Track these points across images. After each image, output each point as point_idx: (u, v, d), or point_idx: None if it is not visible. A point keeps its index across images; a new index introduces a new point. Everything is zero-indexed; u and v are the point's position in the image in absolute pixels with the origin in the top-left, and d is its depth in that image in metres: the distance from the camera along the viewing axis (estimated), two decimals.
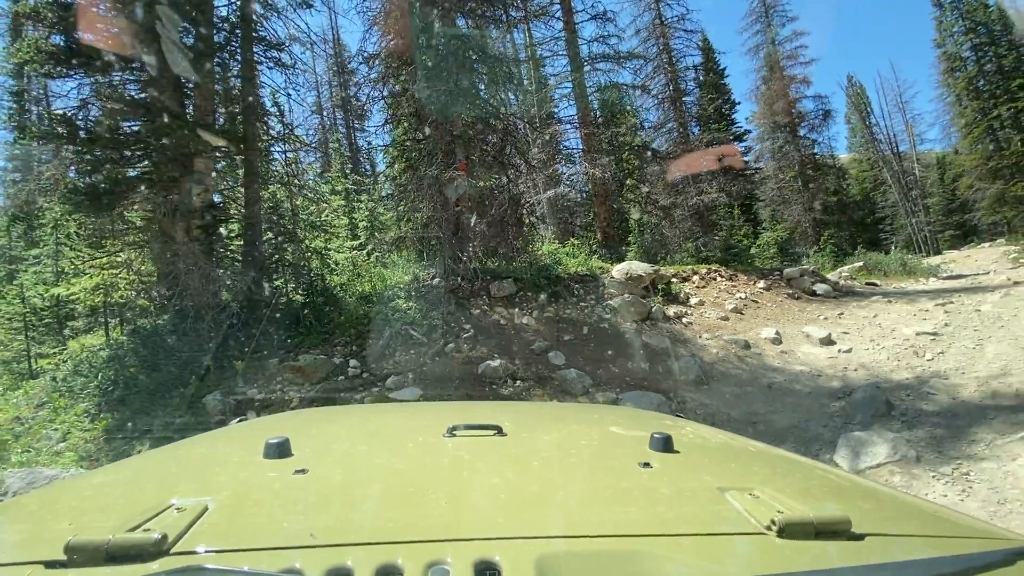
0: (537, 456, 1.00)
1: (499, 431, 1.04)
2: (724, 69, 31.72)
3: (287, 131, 8.86)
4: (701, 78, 28.80)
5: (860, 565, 0.62)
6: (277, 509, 0.74)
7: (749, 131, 30.16)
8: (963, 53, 31.45)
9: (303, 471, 0.84)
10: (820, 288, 9.71)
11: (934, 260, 22.42)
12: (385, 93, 8.28)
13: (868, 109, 44.75)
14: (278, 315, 6.56)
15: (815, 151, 27.23)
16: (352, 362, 5.60)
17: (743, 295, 8.75)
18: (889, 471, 3.81)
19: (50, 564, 0.58)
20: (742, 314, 8.06)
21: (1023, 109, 28.05)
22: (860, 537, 0.66)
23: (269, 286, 7.49)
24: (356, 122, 32.52)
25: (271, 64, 7.55)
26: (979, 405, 4.53)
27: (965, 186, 33.09)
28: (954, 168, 37.19)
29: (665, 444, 0.97)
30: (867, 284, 11.68)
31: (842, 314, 8.27)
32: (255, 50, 7.56)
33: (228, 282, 6.77)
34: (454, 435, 1.03)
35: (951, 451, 3.89)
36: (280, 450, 0.91)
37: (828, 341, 6.90)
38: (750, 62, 31.73)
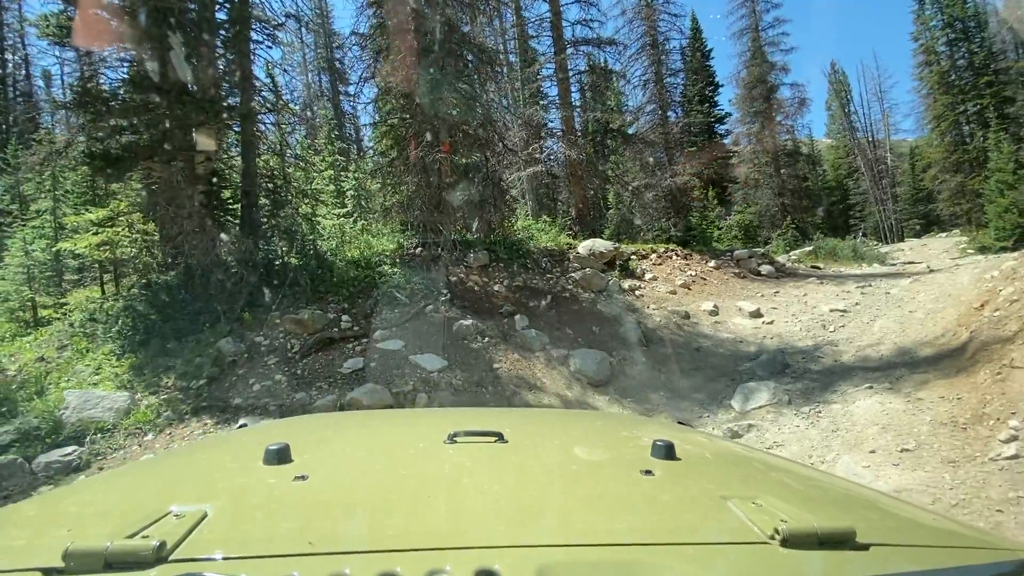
0: (538, 463, 1.00)
1: (500, 438, 1.04)
2: (710, 51, 32.17)
3: (281, 104, 9.44)
4: (688, 58, 29.31)
5: None
6: (276, 516, 0.75)
7: (730, 114, 30.90)
8: (938, 48, 32.37)
9: (303, 478, 0.84)
10: (765, 269, 10.84)
11: (887, 248, 23.96)
12: (374, 73, 8.88)
13: (848, 97, 45.79)
14: (277, 275, 7.37)
15: (790, 137, 28.22)
16: (344, 317, 6.49)
17: (694, 273, 9.81)
18: (766, 410, 4.93)
19: (48, 571, 0.59)
20: (689, 289, 9.14)
21: (987, 106, 29.31)
22: (865, 547, 0.66)
23: (266, 249, 8.26)
24: (341, 85, 32.35)
25: (269, 43, 8.09)
26: (851, 366, 5.68)
27: (929, 177, 34.67)
28: (923, 159, 38.61)
29: (667, 452, 0.97)
30: (811, 267, 12.88)
31: (777, 292, 9.41)
32: (253, 27, 8.07)
33: (231, 244, 7.51)
34: (455, 442, 1.03)
35: (815, 398, 5.01)
36: (280, 456, 0.92)
37: (757, 314, 8.02)
38: (733, 46, 32.33)
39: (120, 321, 6.47)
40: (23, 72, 24.24)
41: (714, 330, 7.58)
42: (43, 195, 11.67)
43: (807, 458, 3.96)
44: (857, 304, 8.07)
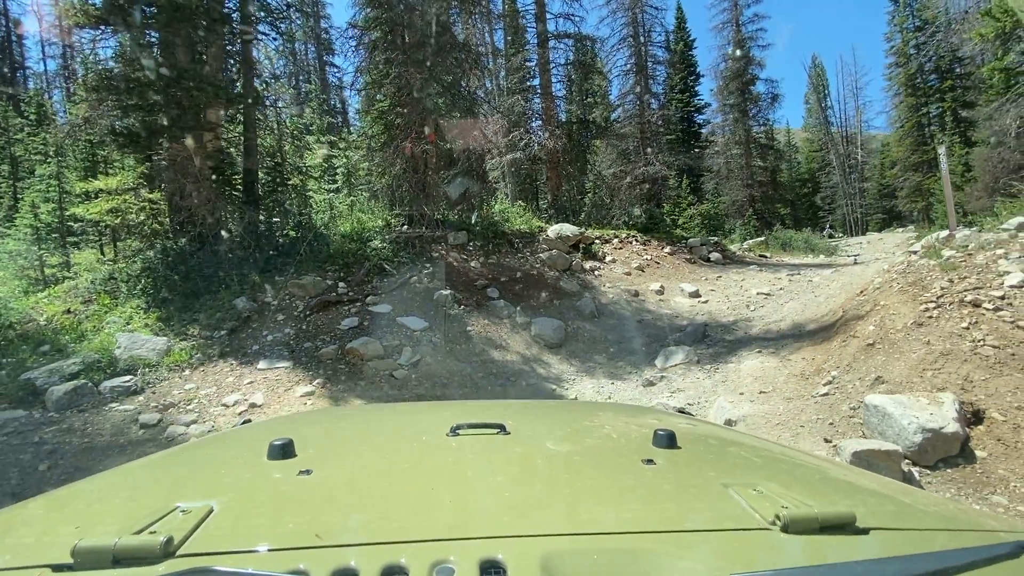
0: (541, 454, 1.02)
1: (502, 430, 1.06)
2: (694, 40, 33.06)
3: (280, 87, 10.25)
4: (672, 48, 30.14)
5: (865, 559, 0.63)
6: (282, 510, 0.76)
7: (709, 104, 32.02)
8: (909, 50, 33.79)
9: (307, 472, 0.86)
10: (714, 256, 12.19)
11: (846, 240, 25.74)
12: (367, 66, 9.74)
13: (826, 91, 47.36)
14: (279, 245, 8.37)
15: (764, 130, 29.54)
16: (341, 284, 7.57)
17: (649, 257, 11.09)
18: (680, 367, 6.25)
19: (57, 567, 0.60)
20: (643, 271, 10.42)
21: (948, 109, 30.98)
22: (865, 531, 0.67)
23: (267, 220, 9.22)
24: (328, 55, 32.38)
25: (275, 35, 8.87)
26: (755, 337, 7.03)
27: (892, 175, 36.67)
28: (889, 156, 40.48)
29: (668, 440, 0.99)
30: (759, 256, 14.31)
31: (719, 277, 10.76)
32: (259, 15, 8.85)
33: (237, 216, 8.45)
34: (457, 434, 1.05)
35: (719, 360, 6.35)
36: (284, 451, 0.94)
37: (696, 295, 9.35)
38: (714, 39, 33.32)
39: (143, 280, 7.43)
40: (3, 25, 23.87)
41: (657, 306, 8.89)
42: (45, 160, 12.26)
43: (697, 398, 5.29)
44: (782, 289, 9.46)
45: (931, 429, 3.32)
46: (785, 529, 0.66)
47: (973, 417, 3.66)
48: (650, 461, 0.91)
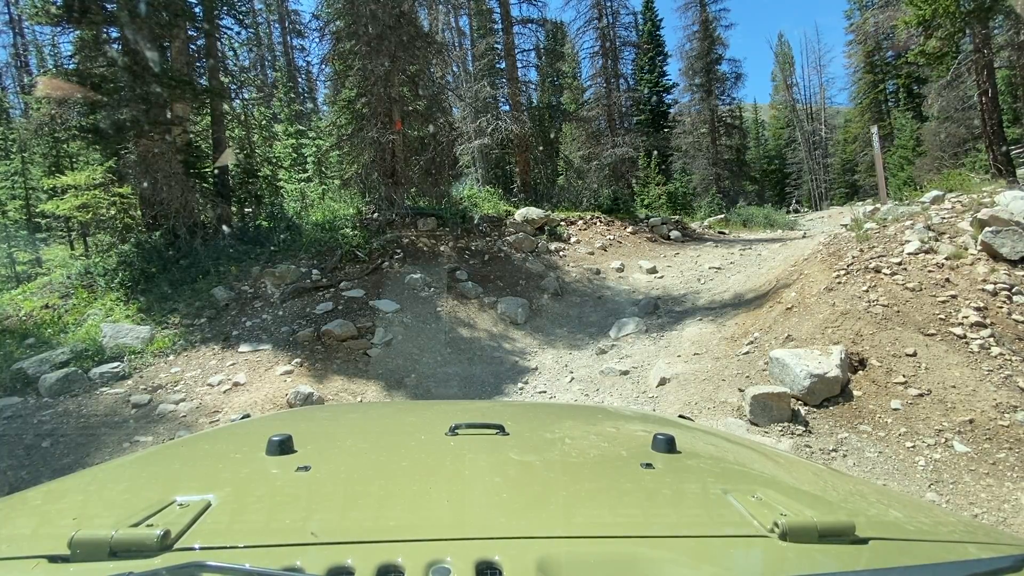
0: (539, 456, 1.02)
1: (501, 430, 1.06)
2: (661, 20, 33.40)
3: (246, 79, 10.37)
4: (640, 28, 30.46)
5: (863, 570, 0.63)
6: (279, 506, 0.77)
7: (677, 84, 32.55)
8: (868, 27, 34.74)
9: (305, 468, 0.87)
10: (674, 234, 12.85)
11: (811, 215, 26.86)
12: (332, 56, 9.93)
13: (791, 69, 48.41)
14: (252, 235, 8.65)
15: (728, 110, 30.27)
16: (314, 272, 7.94)
17: (612, 237, 11.67)
18: (631, 336, 6.87)
19: (54, 558, 0.60)
20: (605, 251, 11.01)
21: (902, 86, 32.16)
22: (864, 541, 0.67)
23: (240, 212, 9.47)
24: (295, 38, 31.75)
25: (238, 28, 9.00)
26: (700, 307, 7.70)
27: (852, 150, 38.07)
28: (851, 131, 41.81)
29: (668, 445, 0.99)
30: (719, 232, 15.05)
31: (677, 254, 11.42)
32: (221, 9, 8.96)
33: (209, 208, 8.69)
34: (456, 434, 1.05)
35: (665, 328, 6.99)
36: (282, 447, 0.95)
37: (653, 271, 9.99)
38: (679, 19, 33.73)
39: (120, 274, 7.68)
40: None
41: (617, 283, 9.50)
42: (7, 155, 12.12)
43: (642, 362, 5.91)
44: (732, 263, 10.16)
45: (817, 375, 3.97)
46: (783, 537, 0.66)
47: (859, 364, 4.35)
48: (649, 465, 0.92)
